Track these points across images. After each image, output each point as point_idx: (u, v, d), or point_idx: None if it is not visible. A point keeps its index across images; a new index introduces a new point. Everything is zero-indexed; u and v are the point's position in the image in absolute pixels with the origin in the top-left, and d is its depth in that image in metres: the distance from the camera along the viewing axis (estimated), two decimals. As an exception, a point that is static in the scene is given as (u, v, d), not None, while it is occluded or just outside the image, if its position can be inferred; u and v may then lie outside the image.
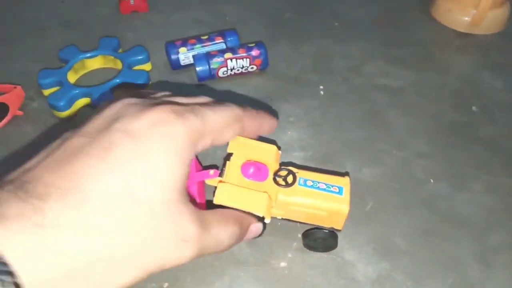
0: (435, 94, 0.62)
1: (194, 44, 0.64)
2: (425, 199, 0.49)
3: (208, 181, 0.45)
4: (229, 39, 0.66)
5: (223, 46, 0.66)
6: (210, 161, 0.52)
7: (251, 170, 0.40)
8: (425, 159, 0.53)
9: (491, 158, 0.54)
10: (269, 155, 0.42)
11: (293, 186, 0.40)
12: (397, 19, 0.78)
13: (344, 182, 0.41)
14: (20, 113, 0.59)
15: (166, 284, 0.42)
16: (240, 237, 0.37)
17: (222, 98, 0.61)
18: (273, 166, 0.42)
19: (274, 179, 0.40)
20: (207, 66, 0.62)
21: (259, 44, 0.64)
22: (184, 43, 0.64)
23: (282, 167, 0.42)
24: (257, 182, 0.40)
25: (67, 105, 0.58)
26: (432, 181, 0.51)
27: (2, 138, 0.56)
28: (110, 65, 0.67)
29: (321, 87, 0.63)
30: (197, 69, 0.62)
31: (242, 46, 0.64)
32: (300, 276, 0.42)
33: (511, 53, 0.71)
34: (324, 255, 0.44)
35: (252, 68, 0.64)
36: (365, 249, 0.45)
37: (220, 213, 0.36)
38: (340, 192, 0.40)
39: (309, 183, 0.41)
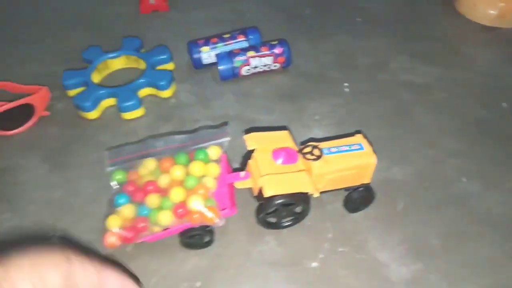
0: (462, 91, 0.61)
1: (217, 43, 0.64)
2: (457, 199, 0.48)
3: (237, 184, 0.45)
4: (251, 37, 0.65)
5: (245, 44, 0.65)
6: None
7: (283, 156, 0.43)
8: (456, 158, 0.52)
9: (524, 155, 0.53)
10: (285, 138, 0.46)
11: (322, 158, 0.43)
12: (420, 13, 0.76)
13: (360, 139, 0.45)
14: (46, 113, 0.59)
15: (198, 284, 0.42)
16: None
17: (246, 96, 0.62)
18: (294, 147, 0.45)
19: (304, 157, 0.43)
20: (230, 65, 0.61)
21: (282, 42, 0.63)
22: (207, 42, 0.64)
23: (304, 145, 0.44)
24: (291, 165, 0.43)
25: (93, 105, 0.58)
26: (464, 180, 0.50)
27: (29, 138, 0.56)
28: (133, 65, 0.67)
29: (346, 84, 0.63)
30: (220, 68, 0.61)
31: (264, 44, 0.63)
32: (332, 277, 0.42)
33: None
34: (356, 255, 0.43)
35: (275, 66, 0.63)
36: (398, 250, 0.44)
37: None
38: (361, 147, 0.44)
39: (333, 149, 0.43)
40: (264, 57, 0.62)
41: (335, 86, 0.63)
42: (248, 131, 0.46)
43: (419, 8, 0.78)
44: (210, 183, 0.43)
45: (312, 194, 0.42)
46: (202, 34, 0.69)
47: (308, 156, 0.43)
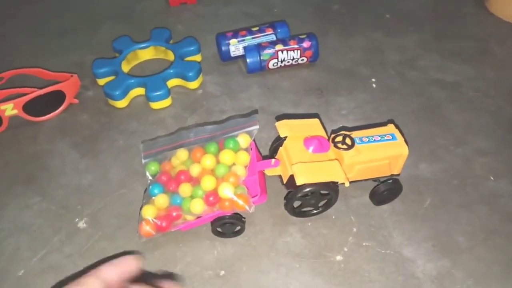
0: (493, 90, 0.60)
1: (245, 36, 0.64)
2: (485, 197, 0.47)
3: (268, 171, 0.46)
4: (279, 30, 0.65)
5: (273, 37, 0.65)
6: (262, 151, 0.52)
7: (314, 144, 0.43)
8: (484, 156, 0.51)
9: (556, 156, 0.52)
10: (316, 127, 0.46)
11: (354, 147, 0.43)
12: (451, 12, 0.75)
13: (392, 129, 0.44)
14: (76, 101, 0.61)
15: (222, 272, 0.42)
16: None
17: (272, 89, 0.62)
18: (324, 136, 0.44)
19: (336, 146, 0.43)
20: (258, 58, 0.61)
21: (310, 36, 0.63)
22: (235, 35, 0.64)
23: (335, 133, 0.44)
24: (322, 153, 0.43)
25: (122, 94, 0.59)
26: (492, 178, 0.49)
27: (59, 125, 0.58)
28: (161, 56, 0.67)
29: (374, 80, 0.62)
30: (248, 60, 0.62)
31: (293, 37, 0.63)
32: (357, 271, 0.42)
33: None
34: (381, 250, 0.43)
35: (302, 60, 0.63)
36: (424, 246, 0.43)
37: None
38: (394, 138, 0.43)
39: (365, 139, 0.43)
40: (292, 50, 0.62)
41: (362, 81, 0.62)
42: (279, 118, 0.46)
43: (449, 6, 0.76)
44: (240, 171, 0.43)
45: (342, 183, 0.42)
46: (229, 28, 0.70)
47: (340, 145, 0.43)
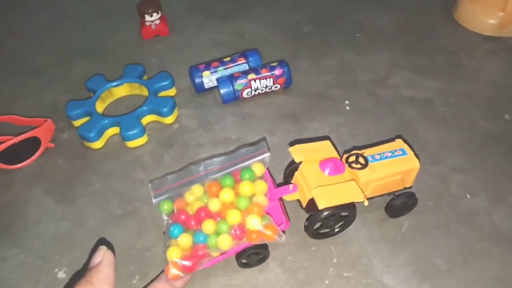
0: (465, 104, 0.61)
1: (217, 67, 0.65)
2: (462, 216, 0.48)
3: (286, 197, 0.47)
4: (251, 59, 0.66)
5: (246, 66, 0.66)
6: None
7: (330, 167, 0.44)
8: (459, 173, 0.52)
9: (530, 168, 0.52)
10: (328, 148, 0.47)
11: (368, 166, 0.44)
12: (420, 25, 0.76)
13: (401, 144, 0.46)
14: (52, 145, 0.60)
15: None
16: None
17: (248, 118, 0.62)
18: (337, 157, 0.46)
19: (350, 166, 0.45)
20: (231, 88, 0.62)
21: (281, 63, 0.63)
22: (207, 67, 0.65)
23: (348, 154, 0.46)
24: (339, 175, 0.44)
25: (97, 135, 0.59)
26: (468, 196, 0.50)
27: (35, 171, 0.57)
28: (136, 91, 0.67)
29: (347, 102, 0.63)
30: (222, 91, 0.62)
31: (265, 66, 0.63)
32: (338, 303, 0.42)
33: (542, 54, 0.68)
34: (362, 280, 0.43)
35: (276, 87, 0.64)
36: (403, 272, 0.44)
37: None
38: (404, 153, 0.45)
39: (377, 157, 0.45)
40: (264, 79, 0.62)
41: (336, 104, 0.63)
42: (292, 143, 0.48)
43: (418, 19, 0.77)
44: (262, 200, 0.43)
45: (362, 202, 0.43)
46: (203, 57, 0.70)
47: (354, 165, 0.45)
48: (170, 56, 0.74)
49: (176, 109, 0.62)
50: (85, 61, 0.75)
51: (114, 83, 0.65)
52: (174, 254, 0.41)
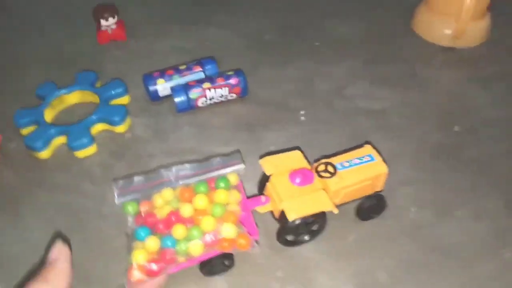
0: (418, 115, 0.61)
1: (172, 75, 0.64)
2: (407, 228, 0.48)
3: (259, 209, 0.47)
4: (207, 67, 0.65)
5: (202, 75, 0.65)
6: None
7: (299, 177, 0.45)
8: (407, 186, 0.52)
9: (477, 181, 0.53)
10: (299, 159, 0.48)
11: (337, 174, 0.45)
12: (381, 35, 0.77)
13: (369, 150, 0.47)
14: (-3, 155, 0.58)
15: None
16: None
17: (203, 128, 0.61)
18: (307, 166, 0.47)
19: (319, 175, 0.45)
20: (186, 97, 0.61)
21: (237, 72, 0.63)
22: (162, 74, 0.64)
23: (317, 162, 0.46)
24: (308, 186, 0.45)
25: (44, 145, 0.57)
26: (414, 209, 0.50)
27: (-22, 182, 0.55)
28: (89, 99, 0.66)
29: (302, 112, 0.62)
30: (176, 100, 0.61)
31: (220, 74, 0.63)
32: (281, 319, 0.41)
33: (497, 64, 0.70)
34: (305, 295, 0.43)
35: (231, 96, 0.63)
36: (347, 286, 0.43)
37: None
38: (372, 159, 0.46)
39: (346, 164, 0.46)
40: (219, 88, 0.62)
41: (291, 114, 0.62)
42: (262, 156, 0.48)
43: (379, 30, 0.78)
44: (236, 210, 0.43)
45: (330, 211, 0.44)
46: (161, 64, 0.69)
47: (323, 173, 0.45)
48: (126, 62, 0.73)
49: (128, 118, 0.61)
50: (40, 67, 0.73)
51: (64, 91, 0.64)
52: (140, 257, 0.40)
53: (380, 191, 0.48)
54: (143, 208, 0.43)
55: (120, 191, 0.44)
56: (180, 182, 0.44)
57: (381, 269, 0.45)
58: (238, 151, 0.57)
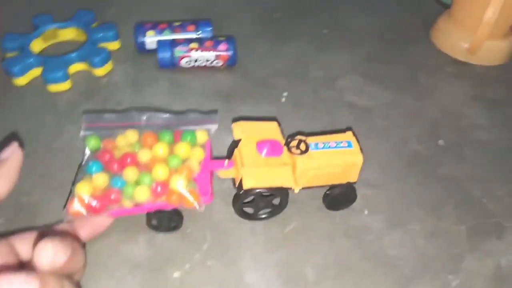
0: (404, 121, 0.58)
1: (164, 29, 0.62)
2: (352, 231, 0.45)
3: (221, 173, 0.45)
4: (201, 29, 0.63)
5: (194, 36, 0.63)
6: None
7: (267, 148, 0.42)
8: (369, 188, 0.49)
9: (444, 200, 0.49)
10: (273, 131, 0.45)
11: (308, 152, 0.42)
12: (393, 36, 0.72)
13: (349, 136, 0.44)
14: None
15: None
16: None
17: (180, 88, 0.59)
18: (281, 140, 0.44)
19: (289, 150, 0.43)
20: (169, 54, 0.59)
21: (229, 39, 0.60)
22: (154, 27, 0.62)
23: (291, 138, 0.44)
24: (274, 157, 0.43)
25: (20, 72, 0.57)
26: (366, 212, 0.47)
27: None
28: (83, 38, 0.65)
29: (285, 94, 0.60)
30: (159, 55, 0.59)
31: (211, 38, 0.61)
32: (191, 289, 0.40)
33: (507, 89, 0.65)
34: (223, 273, 0.41)
35: (217, 63, 0.61)
36: (269, 273, 0.41)
37: None
38: (349, 145, 0.43)
39: (320, 145, 0.43)
40: (206, 50, 0.60)
41: (273, 93, 0.60)
42: (237, 119, 0.46)
43: (394, 30, 0.74)
44: (194, 166, 0.41)
45: (292, 189, 0.42)
46: (164, 16, 0.67)
47: (294, 150, 0.42)
48: (134, 10, 0.72)
49: (110, 63, 0.60)
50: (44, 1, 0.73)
51: (56, 25, 0.63)
52: (84, 189, 0.38)
53: (354, 182, 0.45)
54: (104, 145, 0.42)
55: (87, 124, 0.43)
56: (149, 128, 0.43)
57: (310, 264, 0.42)
58: (216, 111, 0.55)
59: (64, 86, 0.57)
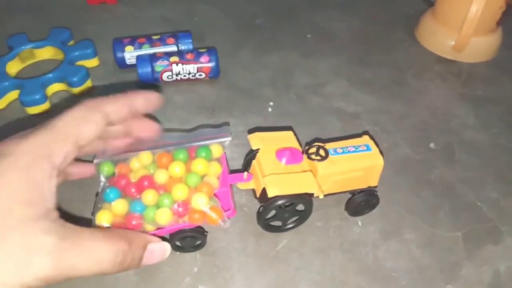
0: (394, 125, 0.57)
1: (143, 44, 0.61)
2: (346, 244, 0.44)
3: (241, 185, 0.44)
4: (181, 41, 0.62)
5: (175, 48, 0.61)
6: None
7: (286, 156, 0.42)
8: (361, 198, 0.48)
9: (439, 205, 0.48)
10: (290, 139, 0.45)
11: (328, 158, 0.42)
12: (376, 36, 0.72)
13: (367, 140, 0.44)
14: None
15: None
16: (132, 257, 0.31)
17: (163, 104, 0.58)
18: (299, 148, 0.44)
19: (309, 157, 0.42)
20: (150, 69, 0.58)
21: (210, 50, 0.59)
22: (132, 42, 0.61)
23: (309, 145, 0.43)
24: (295, 165, 0.42)
25: (-3, 95, 0.55)
26: (360, 223, 0.46)
27: None
28: (60, 56, 0.63)
29: (271, 103, 0.59)
30: (139, 71, 0.58)
31: (192, 50, 0.59)
32: (182, 317, 0.38)
33: (495, 86, 0.64)
34: (214, 296, 0.39)
35: (200, 75, 0.59)
36: (262, 295, 0.40)
37: (101, 230, 0.32)
38: (368, 148, 0.43)
39: (339, 150, 0.42)
40: (188, 64, 0.58)
41: (259, 104, 0.58)
42: (252, 131, 0.45)
43: (377, 31, 0.73)
44: (213, 182, 0.40)
45: (317, 196, 0.41)
46: (143, 32, 0.66)
47: (314, 156, 0.42)
48: (109, 26, 0.70)
49: (89, 81, 0.58)
50: (21, 17, 0.71)
51: (32, 45, 0.61)
52: (104, 218, 0.37)
53: (374, 187, 0.45)
54: (119, 170, 0.41)
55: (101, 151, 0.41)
56: (162, 148, 0.42)
57: (305, 282, 0.41)
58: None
59: (43, 107, 0.55)
